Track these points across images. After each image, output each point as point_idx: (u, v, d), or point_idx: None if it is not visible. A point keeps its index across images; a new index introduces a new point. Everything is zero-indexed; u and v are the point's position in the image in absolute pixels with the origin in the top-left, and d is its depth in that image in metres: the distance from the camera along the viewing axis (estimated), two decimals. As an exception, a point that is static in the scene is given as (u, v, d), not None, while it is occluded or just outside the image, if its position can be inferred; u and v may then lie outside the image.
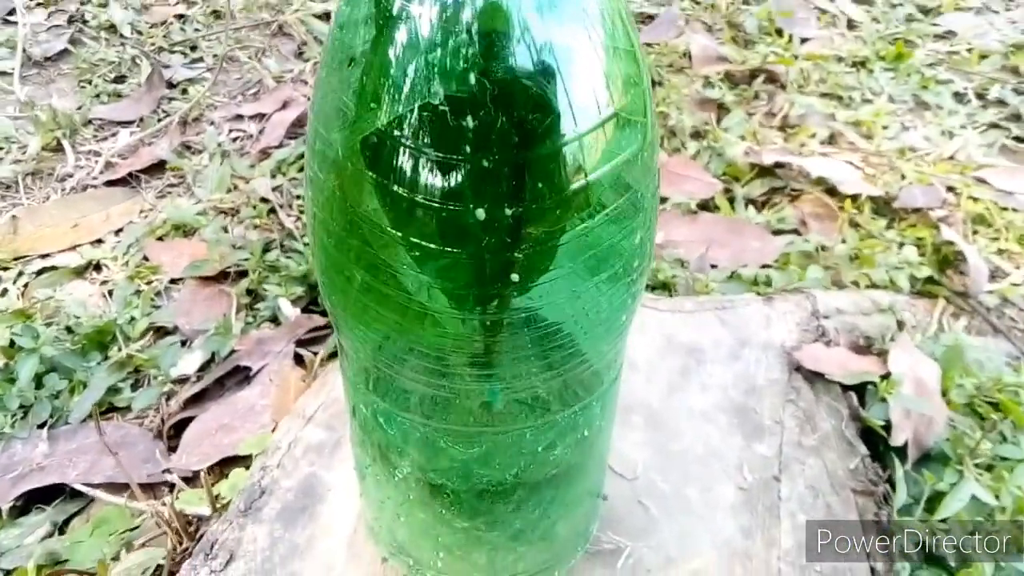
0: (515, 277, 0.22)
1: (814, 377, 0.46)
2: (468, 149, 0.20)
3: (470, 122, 0.20)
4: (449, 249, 0.22)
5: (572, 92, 0.20)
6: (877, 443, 0.45)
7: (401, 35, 0.20)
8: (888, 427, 0.45)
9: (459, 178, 0.20)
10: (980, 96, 0.87)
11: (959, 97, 0.87)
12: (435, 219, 0.21)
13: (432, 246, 0.22)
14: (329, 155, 0.23)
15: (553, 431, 0.28)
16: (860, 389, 0.47)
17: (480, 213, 0.21)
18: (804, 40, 0.95)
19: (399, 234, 0.22)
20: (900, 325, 0.52)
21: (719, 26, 0.97)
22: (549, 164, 0.21)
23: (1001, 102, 0.85)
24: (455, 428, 0.28)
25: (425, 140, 0.20)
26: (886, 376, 0.47)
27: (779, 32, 0.96)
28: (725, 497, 0.40)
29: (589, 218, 0.22)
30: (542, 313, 0.24)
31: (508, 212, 0.21)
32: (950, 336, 0.54)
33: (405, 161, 0.21)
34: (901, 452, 0.44)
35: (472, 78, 0.20)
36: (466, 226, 0.21)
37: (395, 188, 0.21)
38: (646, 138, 0.23)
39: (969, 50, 0.95)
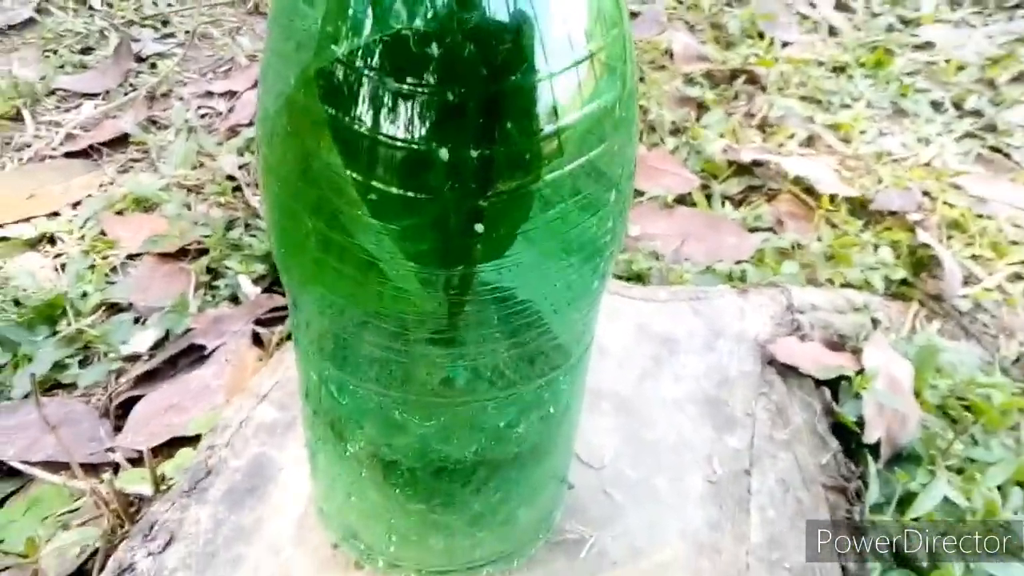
0: (479, 228, 0.21)
1: (787, 371, 0.45)
2: (432, 80, 0.18)
3: (435, 50, 0.18)
4: (411, 194, 0.20)
5: (546, 25, 0.19)
6: (850, 440, 0.44)
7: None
8: (861, 424, 0.44)
9: (422, 113, 0.19)
10: (957, 106, 0.87)
11: (936, 106, 0.87)
12: (396, 159, 0.20)
13: (392, 190, 0.20)
14: (283, 90, 0.21)
15: (517, 406, 0.27)
16: (833, 385, 0.46)
17: (444, 153, 0.19)
18: (785, 44, 0.95)
19: (358, 177, 0.20)
20: (875, 324, 0.51)
21: (701, 26, 0.96)
22: (519, 101, 0.19)
23: (977, 112, 0.86)
24: (412, 398, 0.26)
25: (387, 70, 0.19)
26: (860, 372, 0.46)
27: (760, 35, 0.96)
28: (694, 489, 0.38)
29: (560, 168, 0.20)
30: (508, 273, 0.22)
31: (474, 154, 0.19)
32: (923, 337, 0.54)
33: (365, 93, 0.19)
34: (873, 449, 0.43)
35: (440, 3, 0.18)
36: (429, 168, 0.20)
37: (354, 125, 0.20)
38: (625, 87, 0.22)
39: (947, 61, 0.95)
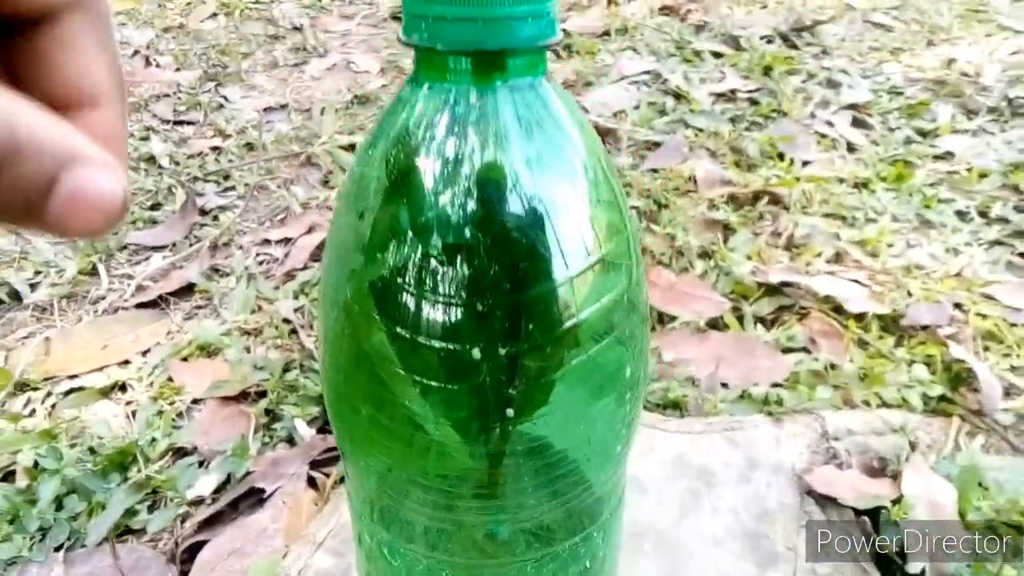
0: (510, 412, 0.24)
1: (826, 501, 0.46)
2: (465, 295, 0.22)
3: (466, 270, 0.22)
4: (450, 386, 0.23)
5: (559, 241, 0.22)
6: (895, 569, 0.44)
7: (406, 194, 0.22)
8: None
9: (457, 321, 0.22)
10: (983, 214, 0.89)
11: (962, 215, 0.89)
12: (436, 358, 0.23)
13: (434, 383, 0.23)
14: (339, 297, 0.25)
15: (555, 562, 0.29)
16: (874, 513, 0.47)
17: (476, 353, 0.22)
18: (805, 163, 0.99)
19: (404, 371, 0.24)
20: (912, 446, 0.52)
21: (722, 151, 1.01)
22: (540, 307, 0.22)
23: (1003, 219, 0.87)
24: (458, 560, 0.28)
25: (426, 286, 0.22)
26: (899, 499, 0.47)
27: (780, 156, 1.00)
28: (739, 628, 0.39)
29: (580, 355, 0.24)
30: (540, 445, 0.25)
31: (503, 351, 0.23)
32: (966, 455, 0.54)
33: (408, 305, 0.23)
34: (920, 580, 0.43)
35: (468, 231, 0.22)
36: (465, 365, 0.23)
37: (399, 329, 0.23)
38: (631, 279, 0.25)
39: (968, 169, 0.98)
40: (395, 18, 1.53)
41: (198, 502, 0.57)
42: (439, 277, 0.22)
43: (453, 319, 0.22)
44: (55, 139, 0.15)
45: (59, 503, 0.56)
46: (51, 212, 0.15)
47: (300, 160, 1.02)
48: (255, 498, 0.56)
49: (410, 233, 0.23)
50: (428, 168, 0.22)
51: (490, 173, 0.22)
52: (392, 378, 0.24)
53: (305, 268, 0.82)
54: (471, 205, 0.22)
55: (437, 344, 0.23)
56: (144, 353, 0.73)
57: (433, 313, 0.22)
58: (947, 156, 1.02)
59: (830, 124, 1.09)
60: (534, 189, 0.22)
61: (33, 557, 0.53)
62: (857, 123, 1.11)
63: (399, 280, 0.23)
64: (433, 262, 0.22)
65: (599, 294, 0.24)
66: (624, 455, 0.29)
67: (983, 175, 0.97)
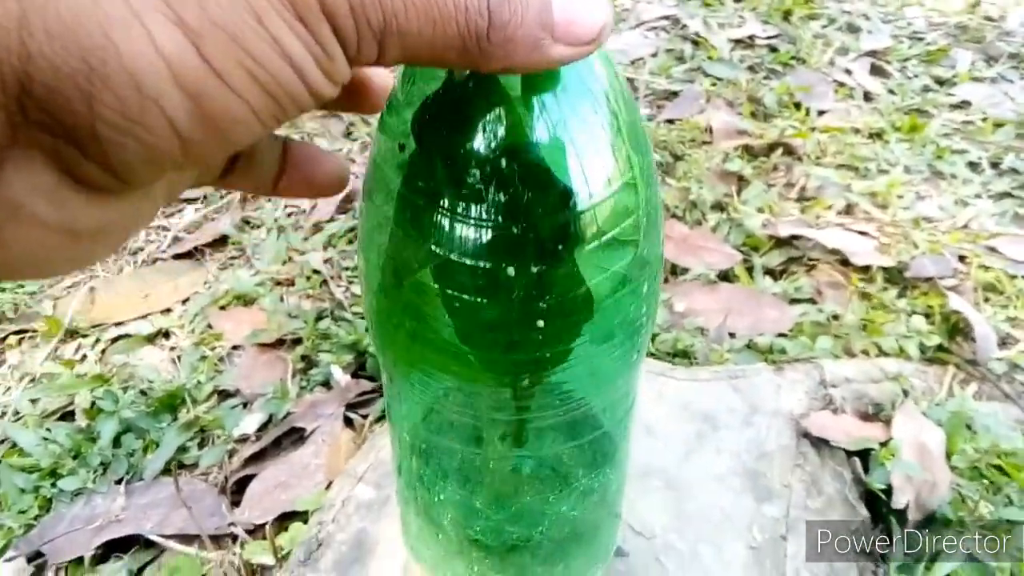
0: (540, 323, 0.26)
1: (820, 443, 0.50)
2: (501, 219, 0.24)
3: (502, 197, 0.24)
4: (483, 300, 0.26)
5: (581, 169, 0.24)
6: (883, 505, 0.49)
7: (443, 124, 0.24)
8: (892, 490, 0.49)
9: (496, 241, 0.24)
10: (994, 165, 0.90)
11: (973, 166, 0.91)
12: (472, 275, 0.25)
13: (467, 298, 0.26)
14: (378, 221, 0.27)
15: (572, 496, 0.33)
16: (865, 455, 0.51)
17: (511, 271, 0.25)
18: (821, 112, 1.00)
19: (444, 287, 0.26)
20: (905, 392, 0.55)
21: (739, 100, 1.02)
22: (567, 229, 0.25)
23: (1014, 171, 0.89)
24: (488, 494, 0.32)
25: (466, 212, 0.24)
26: (887, 442, 0.51)
27: (797, 105, 1.01)
28: (737, 555, 0.43)
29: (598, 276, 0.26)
30: (556, 387, 0.29)
31: (534, 269, 0.25)
32: (957, 402, 0.58)
33: (448, 227, 0.25)
34: (903, 515, 0.48)
35: (503, 162, 0.24)
36: (499, 281, 0.25)
37: (438, 250, 0.25)
38: (648, 202, 0.27)
39: (984, 119, 0.99)
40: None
41: (243, 440, 0.62)
42: (476, 204, 0.24)
43: (491, 241, 0.24)
44: None
45: (117, 441, 0.62)
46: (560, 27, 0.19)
47: (322, 112, 1.04)
48: (296, 436, 0.61)
49: (448, 164, 0.24)
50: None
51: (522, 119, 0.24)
52: (432, 297, 0.27)
53: (332, 220, 0.86)
54: (505, 140, 0.24)
55: (472, 263, 0.25)
56: (184, 302, 0.78)
57: (472, 236, 0.24)
58: (963, 105, 1.03)
59: (848, 72, 1.10)
60: (561, 127, 0.24)
61: (97, 488, 0.58)
62: (876, 71, 1.11)
63: (439, 206, 0.24)
64: (471, 191, 0.24)
65: (617, 219, 0.26)
66: (628, 394, 0.32)
67: (998, 125, 0.97)
